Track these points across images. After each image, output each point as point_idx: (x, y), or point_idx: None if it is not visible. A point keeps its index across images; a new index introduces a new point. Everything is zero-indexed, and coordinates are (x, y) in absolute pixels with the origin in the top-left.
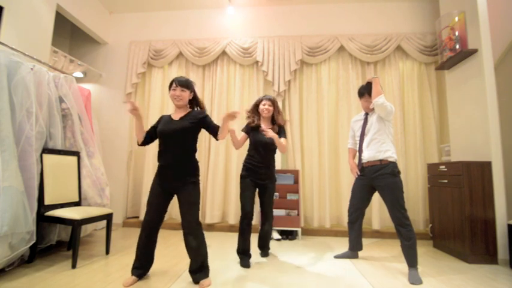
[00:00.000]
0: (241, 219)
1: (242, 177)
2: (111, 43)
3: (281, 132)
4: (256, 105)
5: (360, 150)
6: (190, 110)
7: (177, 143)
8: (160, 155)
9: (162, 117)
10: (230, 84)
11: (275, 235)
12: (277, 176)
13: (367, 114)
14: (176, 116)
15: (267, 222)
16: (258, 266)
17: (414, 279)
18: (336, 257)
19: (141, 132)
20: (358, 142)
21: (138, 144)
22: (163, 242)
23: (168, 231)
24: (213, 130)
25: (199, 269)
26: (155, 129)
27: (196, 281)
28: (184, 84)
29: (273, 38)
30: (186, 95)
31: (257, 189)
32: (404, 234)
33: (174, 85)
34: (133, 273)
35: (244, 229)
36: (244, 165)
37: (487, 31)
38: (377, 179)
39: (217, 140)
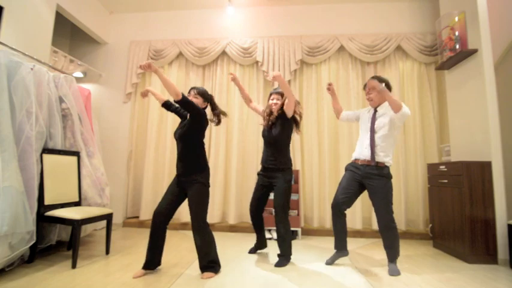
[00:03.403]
0: (250, 213)
1: (258, 174)
2: (111, 43)
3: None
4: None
5: (372, 146)
6: None
7: (180, 145)
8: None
9: None
10: (230, 84)
11: (275, 235)
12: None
13: (375, 110)
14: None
15: (279, 224)
16: (258, 266)
17: (393, 270)
18: (328, 263)
19: (160, 97)
20: (362, 135)
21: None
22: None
23: (168, 231)
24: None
25: (205, 265)
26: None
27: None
28: (200, 92)
29: (273, 38)
30: (198, 102)
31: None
32: (391, 235)
33: (189, 92)
34: (143, 266)
35: (253, 225)
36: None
37: (487, 31)
38: (371, 179)
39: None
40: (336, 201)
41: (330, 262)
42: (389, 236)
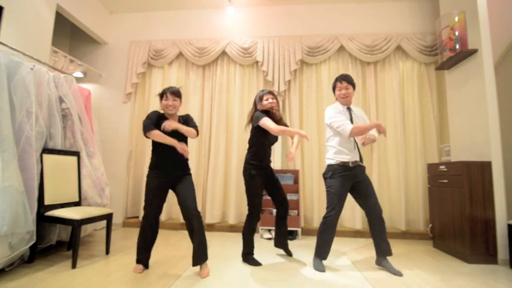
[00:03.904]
0: (255, 220)
1: (253, 176)
2: (111, 43)
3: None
4: (258, 102)
5: (358, 148)
6: (178, 116)
7: (180, 141)
8: (161, 152)
9: (156, 114)
10: (230, 84)
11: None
12: (277, 176)
13: (350, 109)
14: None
15: (287, 219)
16: (258, 266)
17: (395, 270)
18: (319, 269)
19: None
20: (351, 139)
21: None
22: (164, 242)
23: (168, 231)
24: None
25: (203, 252)
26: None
27: (197, 264)
28: (176, 93)
29: (273, 38)
30: (178, 104)
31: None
32: (384, 223)
33: (166, 95)
34: (140, 263)
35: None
36: (252, 164)
37: (487, 31)
38: (361, 175)
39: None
40: (337, 214)
41: (322, 268)
42: (384, 225)
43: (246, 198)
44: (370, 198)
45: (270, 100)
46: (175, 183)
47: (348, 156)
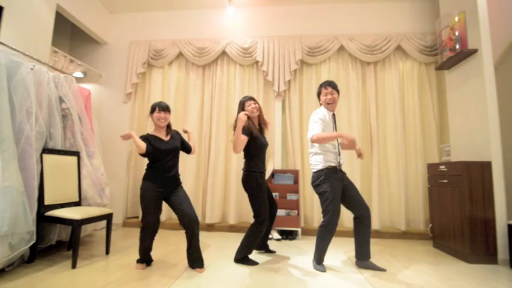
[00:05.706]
0: (265, 226)
1: (260, 184)
2: (111, 43)
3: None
4: (242, 108)
5: (339, 155)
6: (169, 130)
7: (173, 158)
8: (159, 167)
9: (148, 136)
10: (230, 84)
11: (275, 235)
12: (277, 176)
13: (334, 115)
14: (164, 137)
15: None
16: (258, 265)
17: (379, 267)
18: (319, 269)
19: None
20: (335, 144)
21: (142, 154)
22: (164, 242)
23: (168, 231)
24: (187, 147)
25: (200, 257)
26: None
27: (194, 267)
28: (167, 108)
29: (273, 38)
30: (168, 116)
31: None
32: (370, 221)
33: (157, 109)
34: (142, 262)
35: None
36: (257, 172)
37: (487, 31)
38: (346, 178)
39: (189, 153)
40: (337, 219)
41: (323, 269)
42: (370, 222)
43: (254, 207)
44: (361, 201)
45: (253, 105)
46: (170, 194)
47: (336, 161)
